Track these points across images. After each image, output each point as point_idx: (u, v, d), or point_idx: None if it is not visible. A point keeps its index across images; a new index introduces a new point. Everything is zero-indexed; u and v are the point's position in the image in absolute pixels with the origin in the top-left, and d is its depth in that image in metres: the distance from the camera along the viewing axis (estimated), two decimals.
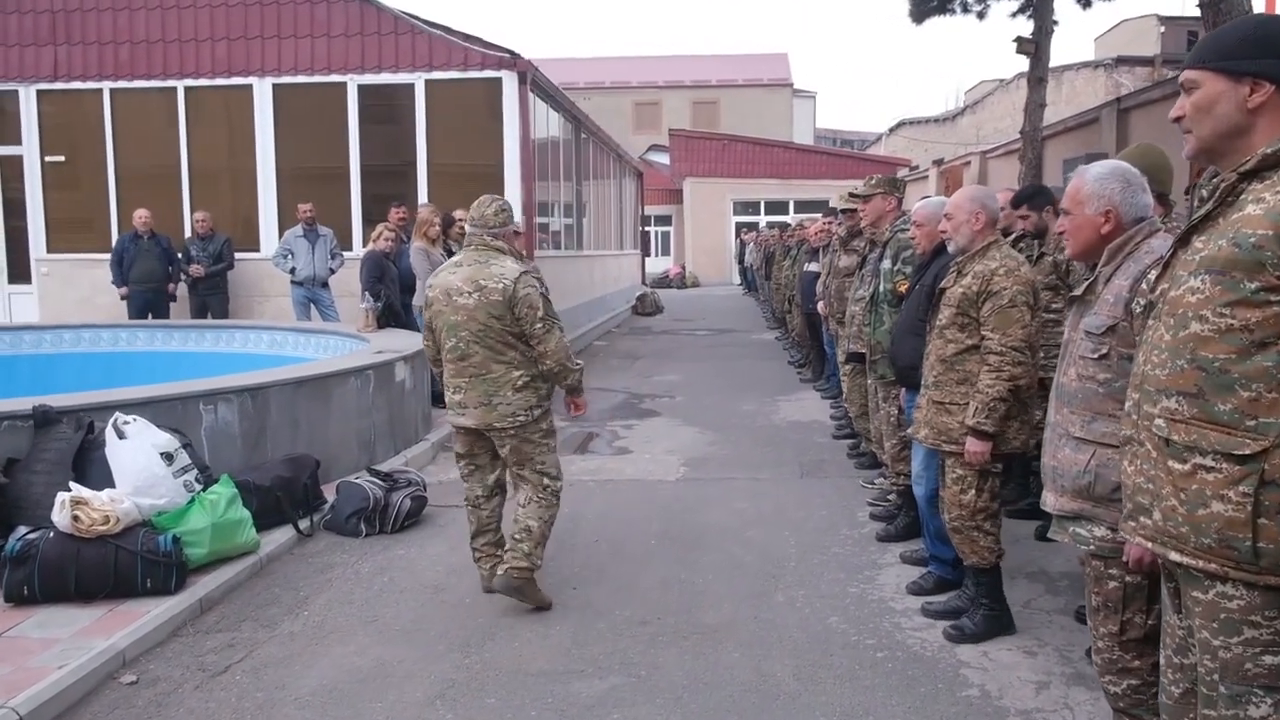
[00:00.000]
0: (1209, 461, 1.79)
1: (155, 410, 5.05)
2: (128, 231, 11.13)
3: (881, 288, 5.21)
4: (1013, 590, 4.34)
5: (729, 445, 7.80)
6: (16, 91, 11.76)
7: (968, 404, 3.73)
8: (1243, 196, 1.84)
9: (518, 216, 11.34)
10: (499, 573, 4.35)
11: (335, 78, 11.31)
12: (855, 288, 6.06)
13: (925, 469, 4.35)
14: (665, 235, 37.78)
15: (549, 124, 13.37)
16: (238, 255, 11.30)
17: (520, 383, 4.26)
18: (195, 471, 4.68)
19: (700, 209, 32.31)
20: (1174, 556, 1.86)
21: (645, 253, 36.05)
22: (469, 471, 4.55)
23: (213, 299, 11.17)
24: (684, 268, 32.27)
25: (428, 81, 11.21)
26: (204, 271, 10.98)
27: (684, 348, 14.91)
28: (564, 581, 4.77)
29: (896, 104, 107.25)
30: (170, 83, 11.55)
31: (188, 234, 11.25)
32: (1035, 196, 5.14)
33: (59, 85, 11.71)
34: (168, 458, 4.51)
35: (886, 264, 5.19)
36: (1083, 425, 2.53)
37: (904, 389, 4.75)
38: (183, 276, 11.07)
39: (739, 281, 29.39)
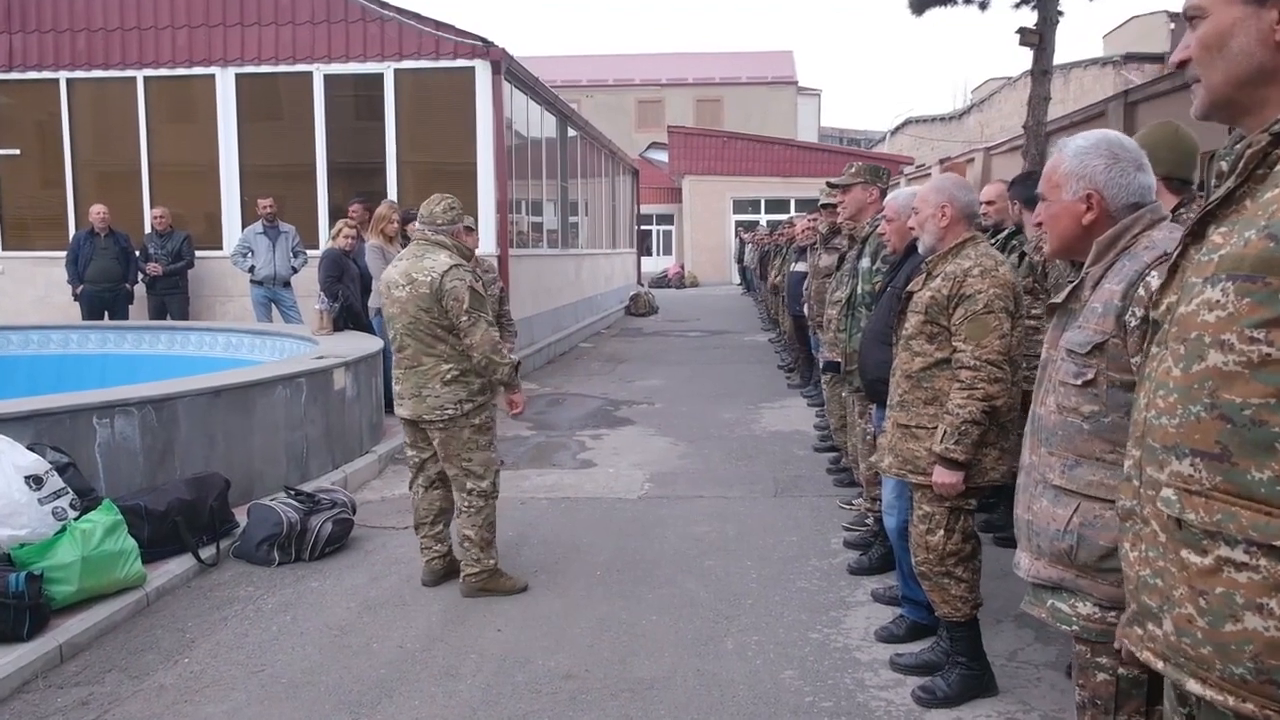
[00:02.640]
0: (1240, 555, 1.22)
1: (40, 425, 4.52)
2: (84, 229, 10.60)
3: (859, 289, 4.64)
4: (996, 638, 3.77)
5: (701, 459, 7.23)
6: None
7: (937, 428, 3.17)
8: (1277, 168, 1.26)
9: (490, 213, 10.90)
10: (460, 581, 4.45)
11: (301, 67, 10.77)
12: (832, 289, 5.50)
13: (897, 498, 3.78)
14: (667, 234, 37.32)
15: (530, 118, 12.82)
16: (199, 253, 10.79)
17: (449, 376, 4.27)
18: (71, 497, 4.13)
19: (699, 208, 31.75)
20: (1193, 686, 1.29)
21: (644, 252, 35.70)
22: (412, 462, 4.59)
23: (172, 299, 10.64)
24: (683, 267, 31.71)
25: (397, 71, 10.67)
26: (162, 270, 10.45)
27: (672, 350, 14.35)
28: (489, 621, 4.21)
29: (902, 103, 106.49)
30: (130, 73, 11.03)
31: (148, 231, 10.72)
32: (1022, 182, 4.57)
33: (14, 75, 11.19)
34: (34, 481, 3.97)
35: (865, 263, 4.62)
36: (1063, 471, 1.97)
37: (874, 405, 4.18)
38: (140, 275, 10.55)
39: (738, 281, 28.83)
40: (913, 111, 42.88)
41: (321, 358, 6.41)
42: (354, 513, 5.34)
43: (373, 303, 8.20)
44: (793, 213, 21.07)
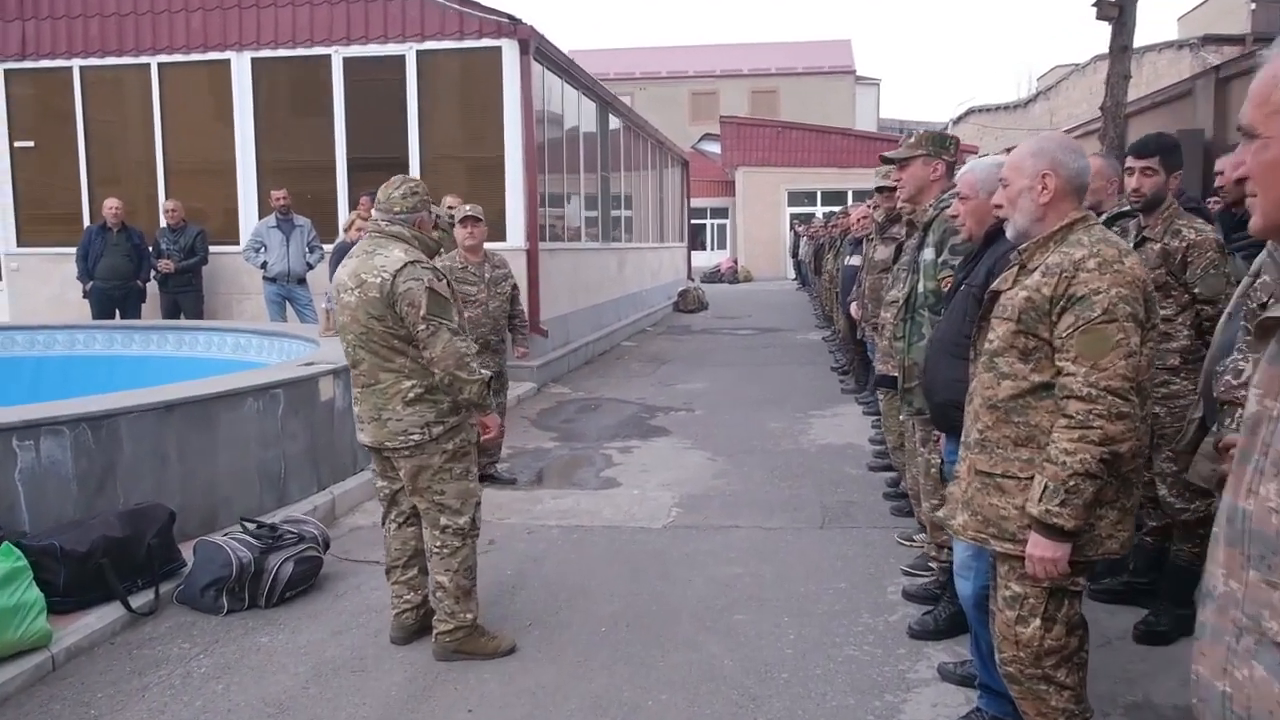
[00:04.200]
0: None
1: None
2: (97, 223, 10.08)
3: (921, 287, 3.74)
4: None
5: (739, 478, 6.38)
6: None
7: (1032, 480, 2.29)
8: None
9: (519, 205, 10.14)
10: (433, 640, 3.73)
11: (319, 50, 10.11)
12: (888, 286, 4.61)
13: (975, 558, 2.91)
14: (721, 228, 36.40)
15: (566, 104, 12.04)
16: (215, 249, 10.21)
17: (411, 395, 3.55)
18: None
19: (753, 200, 30.74)
20: None
21: (697, 246, 34.79)
22: (382, 494, 3.89)
23: (185, 297, 10.07)
24: (736, 261, 30.73)
25: (419, 53, 9.95)
26: (174, 267, 9.89)
27: (719, 350, 13.47)
28: (460, 698, 3.42)
29: (964, 91, 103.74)
30: (143, 59, 10.48)
31: (161, 226, 10.16)
32: (1166, 151, 3.64)
33: (27, 64, 10.72)
34: None
35: (928, 254, 3.72)
36: None
37: (944, 434, 3.31)
38: (153, 272, 10.00)
39: (793, 276, 27.79)
40: (975, 100, 41.44)
41: (309, 364, 5.69)
42: (326, 548, 4.59)
43: None
44: (849, 203, 20.04)
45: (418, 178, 3.76)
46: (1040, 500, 2.23)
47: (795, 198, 30.69)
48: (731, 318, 18.16)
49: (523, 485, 6.30)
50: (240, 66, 10.27)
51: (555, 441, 7.63)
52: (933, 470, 3.67)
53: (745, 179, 30.71)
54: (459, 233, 6.13)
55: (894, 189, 5.60)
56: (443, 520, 3.62)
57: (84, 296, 9.92)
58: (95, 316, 9.89)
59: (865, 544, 4.97)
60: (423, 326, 3.43)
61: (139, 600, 3.98)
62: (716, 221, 36.90)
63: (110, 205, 9.87)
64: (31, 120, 10.93)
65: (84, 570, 3.80)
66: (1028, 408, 2.32)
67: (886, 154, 3.94)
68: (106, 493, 4.33)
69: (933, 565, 4.18)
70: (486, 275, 6.10)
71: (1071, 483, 2.19)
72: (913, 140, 3.88)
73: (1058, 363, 2.26)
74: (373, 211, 3.79)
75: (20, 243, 11.06)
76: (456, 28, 9.83)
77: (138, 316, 10.08)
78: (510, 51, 9.77)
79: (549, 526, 5.39)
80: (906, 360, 3.69)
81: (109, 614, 3.85)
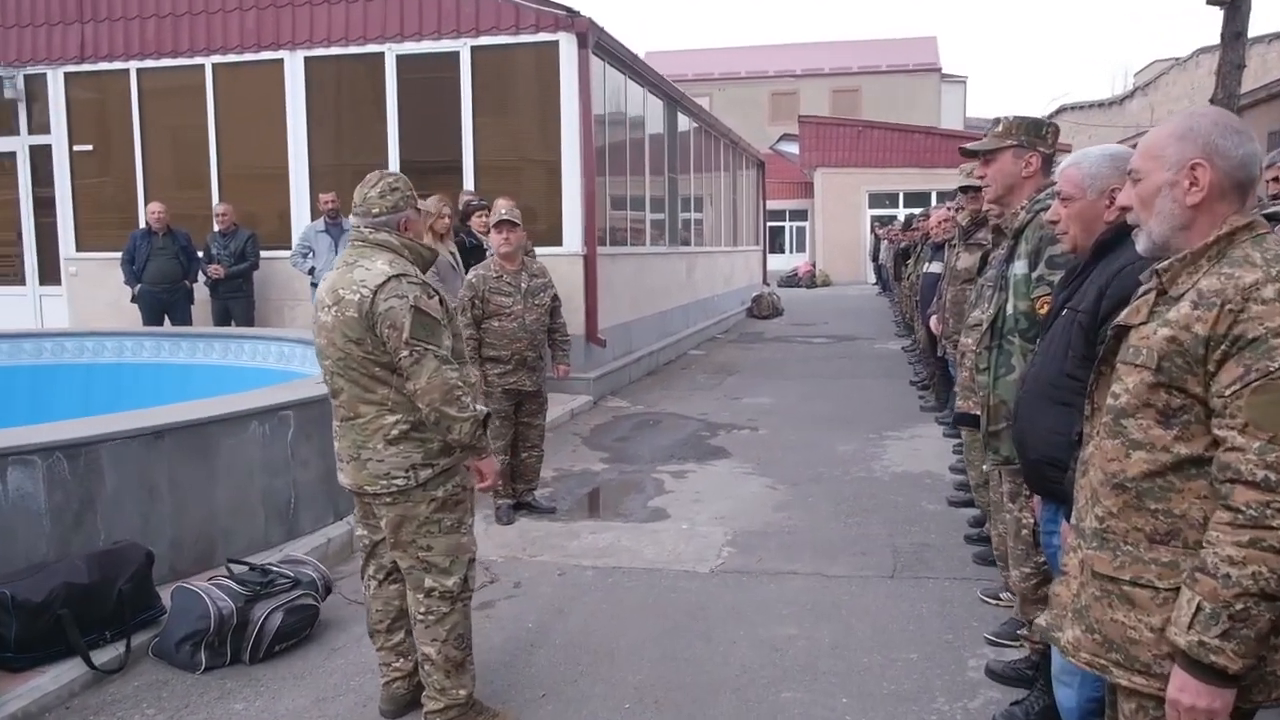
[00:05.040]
0: None
1: None
2: (143, 227, 9.89)
3: (1010, 308, 3.04)
4: None
5: (802, 511, 5.73)
6: (45, 75, 10.73)
7: (1177, 592, 1.64)
8: None
9: (576, 207, 9.60)
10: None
11: (372, 48, 9.75)
12: (971, 303, 3.93)
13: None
14: (799, 230, 35.55)
15: (629, 101, 11.49)
16: (268, 253, 9.93)
17: (395, 432, 3.02)
18: None
19: (832, 202, 29.80)
20: None
21: (775, 249, 33.96)
22: (362, 544, 3.34)
23: (235, 302, 9.82)
24: (814, 265, 29.83)
25: (474, 49, 9.51)
26: (224, 272, 9.63)
27: (791, 360, 12.77)
28: None
29: (1056, 88, 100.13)
30: (198, 60, 10.26)
31: (214, 229, 9.92)
32: None
33: (85, 67, 10.61)
34: None
35: (1020, 268, 3.03)
36: None
37: (1039, 496, 2.64)
38: (202, 277, 9.76)
39: (873, 280, 26.82)
40: (1068, 97, 39.76)
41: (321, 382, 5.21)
42: (326, 593, 4.11)
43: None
44: (933, 204, 19.10)
45: (398, 172, 3.22)
46: (1191, 627, 1.57)
47: (876, 199, 29.67)
48: (806, 324, 17.41)
49: (562, 515, 5.75)
50: (293, 66, 9.98)
51: (605, 463, 7.07)
52: (1024, 532, 2.99)
53: (824, 180, 29.80)
54: (494, 239, 5.61)
55: (980, 188, 4.92)
56: (428, 581, 3.08)
57: (132, 300, 9.73)
58: (145, 321, 9.71)
59: (942, 600, 4.29)
60: (405, 353, 2.90)
61: (105, 655, 3.53)
62: (795, 224, 36.06)
63: (153, 209, 9.67)
64: (90, 124, 10.83)
65: (38, 622, 3.36)
66: (1170, 491, 1.66)
67: (968, 146, 3.26)
68: (85, 529, 3.91)
69: (1022, 637, 3.50)
70: (523, 285, 5.56)
71: (1239, 606, 1.53)
72: (1000, 129, 3.19)
73: (1216, 431, 1.60)
74: (351, 218, 3.26)
75: (79, 247, 10.97)
76: (512, 22, 9.36)
77: (187, 320, 9.87)
78: (568, 45, 9.25)
79: (583, 567, 4.83)
80: (992, 398, 3.01)
81: (67, 672, 3.40)
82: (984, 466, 3.16)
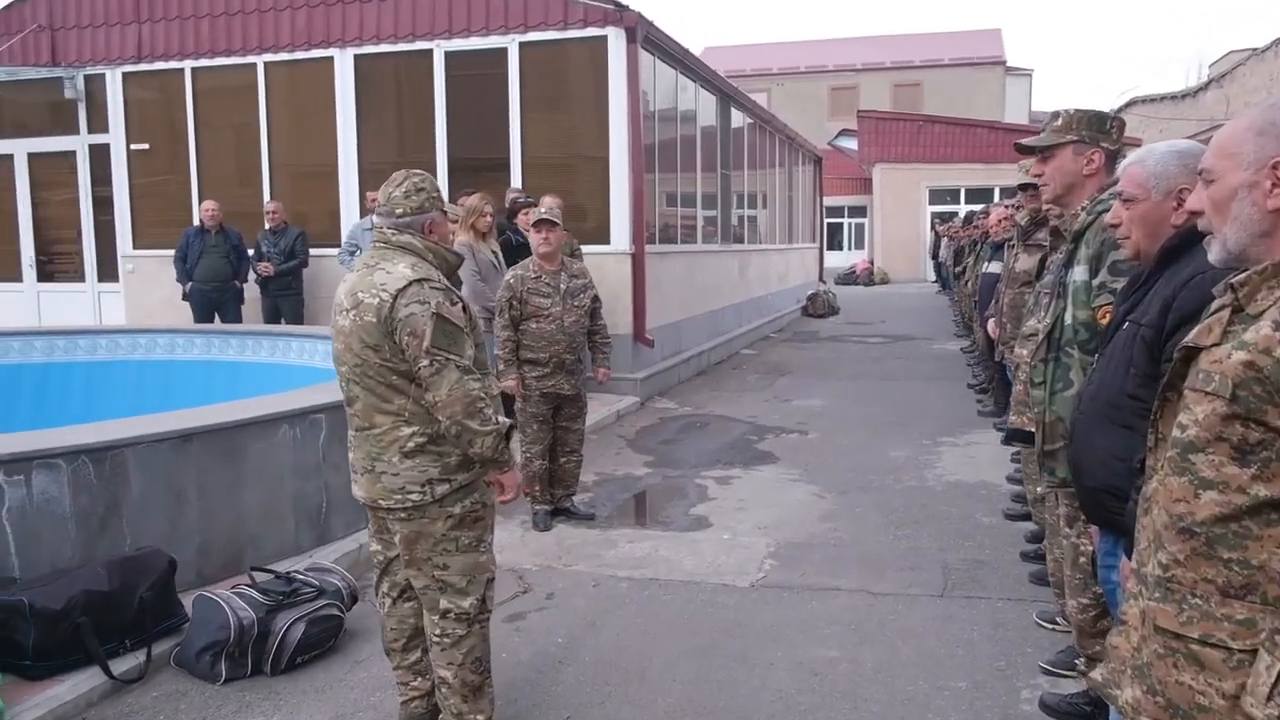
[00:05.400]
0: None
1: None
2: (195, 225, 9.97)
3: (1069, 317, 2.81)
4: None
5: (849, 521, 5.51)
6: (104, 75, 10.89)
7: (1253, 655, 1.42)
8: None
9: (624, 205, 9.44)
10: None
11: (421, 45, 9.70)
12: (1028, 309, 3.68)
13: None
14: (858, 227, 35.03)
15: (681, 96, 11.29)
16: (319, 251, 9.94)
17: (411, 445, 2.87)
18: None
19: (891, 198, 29.26)
20: None
21: (833, 246, 33.46)
22: (377, 560, 3.18)
23: (285, 300, 9.86)
24: (872, 263, 29.32)
25: (522, 44, 9.40)
26: (273, 270, 9.67)
27: (845, 360, 12.48)
28: None
29: (1127, 80, 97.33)
30: (250, 59, 10.32)
31: (264, 227, 9.97)
32: None
33: (142, 66, 10.73)
34: None
35: (1079, 274, 2.80)
36: None
37: (1098, 526, 2.42)
38: (252, 275, 9.82)
39: (933, 278, 26.27)
40: (1139, 89, 38.59)
41: None
42: (352, 602, 4.01)
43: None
44: (994, 201, 18.62)
45: (424, 172, 3.06)
46: (1270, 699, 1.36)
47: (937, 195, 29.06)
48: (863, 323, 17.07)
49: (600, 522, 5.61)
50: (343, 64, 9.97)
51: (648, 467, 6.91)
52: (1082, 560, 2.76)
53: (883, 176, 29.27)
54: (533, 238, 5.48)
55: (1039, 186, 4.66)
56: (443, 602, 2.94)
57: (184, 299, 9.82)
58: (196, 319, 9.80)
59: (995, 623, 4.05)
60: (425, 362, 2.75)
61: (125, 664, 3.47)
62: (853, 220, 35.54)
63: (207, 207, 9.76)
64: (147, 123, 10.95)
65: (57, 630, 3.31)
66: (1246, 538, 1.44)
67: (1025, 141, 3.03)
68: (110, 534, 3.86)
69: (1081, 670, 3.26)
70: (563, 286, 5.42)
71: None
72: (1059, 122, 2.96)
73: None
74: (374, 217, 3.13)
75: (136, 244, 11.12)
76: (560, 17, 9.23)
77: (237, 319, 9.94)
78: (616, 40, 9.10)
79: (618, 579, 4.67)
80: (1047, 414, 2.78)
81: (85, 681, 3.35)
82: (1038, 489, 2.93)
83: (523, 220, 7.59)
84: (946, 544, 5.07)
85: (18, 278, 11.70)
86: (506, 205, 7.96)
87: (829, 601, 4.34)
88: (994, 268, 7.32)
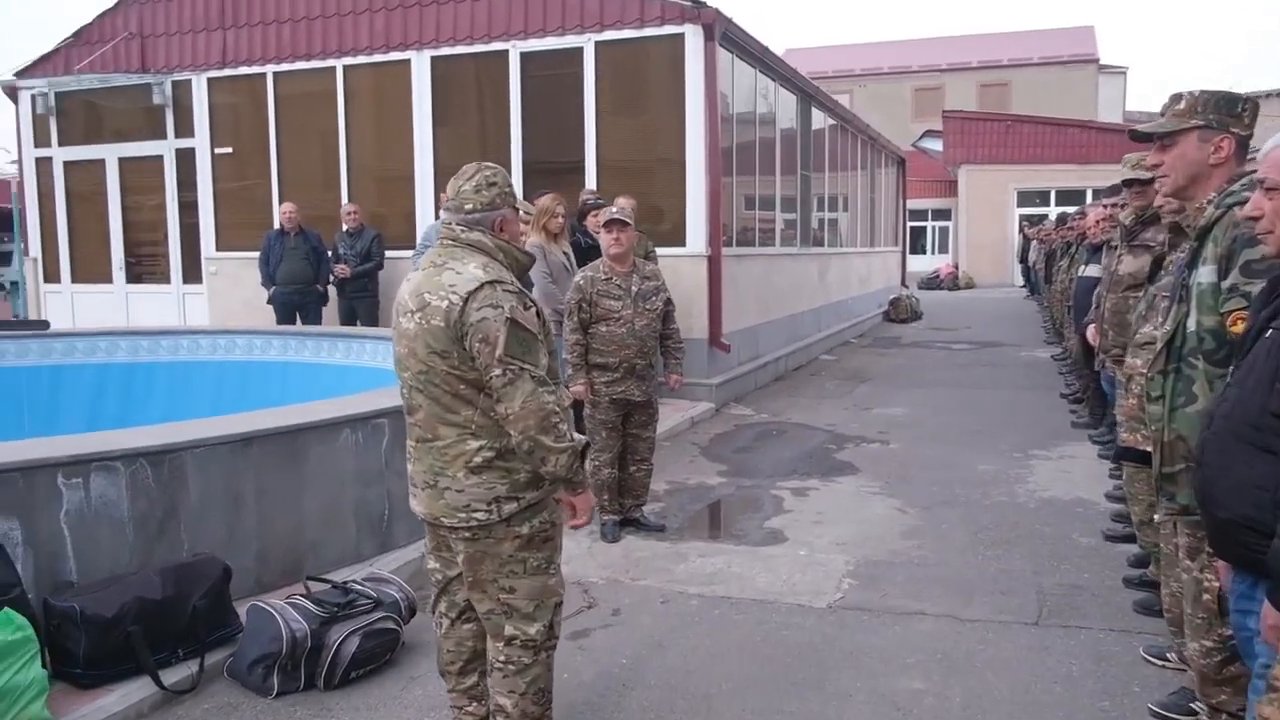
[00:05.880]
0: None
1: None
2: (275, 228, 10.07)
3: (1193, 324, 2.49)
4: None
5: (934, 539, 5.19)
6: (190, 80, 11.10)
7: None
8: None
9: (700, 207, 9.22)
10: None
11: (497, 45, 9.63)
12: (1138, 314, 3.35)
13: None
14: (942, 230, 34.22)
15: (759, 96, 11.03)
16: (395, 253, 9.94)
17: (478, 460, 2.65)
18: None
19: (977, 200, 28.43)
20: None
21: (916, 250, 32.69)
22: (435, 579, 2.98)
23: (360, 302, 9.89)
24: (957, 267, 28.54)
25: (598, 44, 9.26)
26: (350, 272, 9.70)
27: (929, 367, 12.05)
28: None
29: (1228, 77, 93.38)
30: (329, 62, 10.39)
31: (342, 229, 10.02)
32: None
33: (226, 72, 10.91)
34: None
35: (1206, 275, 2.48)
36: None
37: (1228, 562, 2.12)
38: (330, 277, 9.87)
39: (1021, 283, 25.43)
40: (1242, 86, 36.91)
41: None
42: (410, 615, 3.87)
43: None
44: (1088, 203, 17.89)
45: (496, 165, 2.84)
46: None
47: (1025, 197, 28.16)
48: (947, 329, 16.54)
49: (671, 534, 5.39)
50: (420, 66, 9.97)
51: (722, 477, 6.68)
52: (1206, 598, 2.45)
53: (969, 177, 28.48)
54: (604, 239, 5.30)
55: (1149, 181, 4.31)
56: (508, 628, 2.74)
57: (268, 302, 9.90)
58: (278, 321, 9.87)
59: (1096, 656, 3.72)
60: (498, 371, 2.54)
61: (177, 674, 3.38)
62: (937, 224, 34.72)
63: (285, 210, 9.84)
64: (230, 127, 11.13)
65: (108, 638, 3.23)
66: None
67: (1142, 127, 2.72)
68: (168, 538, 3.79)
69: (1202, 716, 2.93)
70: (634, 288, 5.22)
71: None
72: (1182, 105, 2.64)
73: None
74: (441, 213, 2.95)
75: (219, 247, 11.29)
76: (637, 15, 9.06)
77: (318, 321, 9.99)
78: (694, 38, 8.89)
79: (688, 595, 4.45)
80: (1167, 433, 2.48)
81: (136, 692, 3.26)
82: (1156, 516, 2.62)
83: (592, 222, 7.43)
84: (1040, 566, 4.73)
85: (108, 279, 12.00)
86: (581, 205, 7.81)
87: (912, 627, 4.05)
88: (1091, 271, 6.90)
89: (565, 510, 2.80)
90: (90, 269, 12.07)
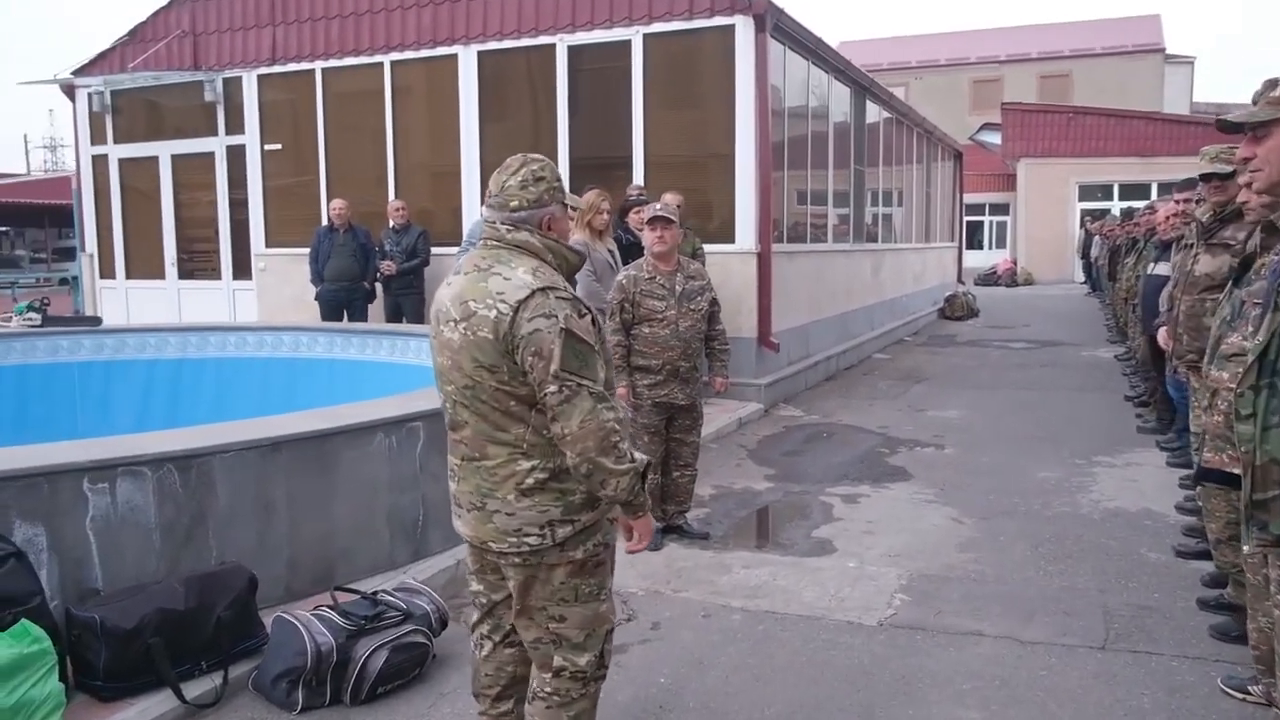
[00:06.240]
0: None
1: (7, 493, 3.29)
2: (324, 224, 10.05)
3: None
4: None
5: (992, 552, 4.94)
6: (240, 77, 11.13)
7: None
8: None
9: (750, 202, 9.00)
10: None
11: (544, 39, 9.49)
12: (1221, 321, 3.09)
13: None
14: (1000, 225, 33.52)
15: (812, 88, 10.76)
16: (441, 250, 9.86)
17: (530, 481, 2.44)
18: None
19: (1036, 194, 27.74)
20: None
21: (973, 245, 32.03)
22: (479, 601, 2.74)
23: (406, 299, 9.82)
24: (1015, 263, 27.87)
25: (646, 36, 9.07)
26: (395, 269, 9.64)
27: (986, 366, 11.69)
28: None
29: None
30: (376, 58, 10.34)
31: (389, 226, 9.97)
32: None
33: (276, 69, 10.92)
34: None
35: None
36: None
37: None
38: (376, 274, 9.82)
39: (1082, 279, 24.75)
40: None
41: None
42: (442, 627, 3.74)
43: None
44: (1154, 198, 17.28)
45: (544, 157, 2.60)
46: None
47: (1087, 191, 27.41)
48: (1004, 327, 16.11)
49: (715, 542, 5.21)
50: (467, 60, 9.87)
51: (770, 481, 6.47)
52: None
53: (1028, 171, 27.80)
54: (647, 236, 5.12)
55: (1229, 175, 4.03)
56: (557, 659, 2.54)
57: (315, 299, 9.88)
58: (323, 319, 9.85)
59: (1169, 687, 3.46)
60: (553, 388, 2.32)
61: (200, 687, 3.28)
62: (995, 218, 34.02)
63: (335, 206, 9.79)
64: (279, 123, 11.14)
65: (129, 650, 3.13)
66: None
67: (1233, 117, 2.47)
68: (195, 545, 3.70)
69: None
70: (678, 288, 5.04)
71: None
72: (1277, 92, 2.40)
73: None
74: (483, 209, 2.70)
75: (268, 243, 11.32)
76: (686, 7, 8.86)
77: (364, 318, 9.96)
78: (744, 29, 8.67)
79: (731, 609, 4.27)
80: (1259, 455, 2.23)
81: (156, 705, 3.16)
82: (1244, 547, 2.38)
83: (634, 219, 7.26)
84: (1106, 584, 4.46)
85: (161, 275, 12.11)
86: (626, 201, 7.65)
87: (969, 649, 3.82)
88: (1161, 269, 6.58)
89: (622, 532, 2.58)
90: (144, 265, 12.19)
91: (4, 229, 39.38)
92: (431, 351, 2.60)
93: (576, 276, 6.24)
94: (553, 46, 9.46)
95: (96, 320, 10.23)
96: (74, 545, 3.43)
